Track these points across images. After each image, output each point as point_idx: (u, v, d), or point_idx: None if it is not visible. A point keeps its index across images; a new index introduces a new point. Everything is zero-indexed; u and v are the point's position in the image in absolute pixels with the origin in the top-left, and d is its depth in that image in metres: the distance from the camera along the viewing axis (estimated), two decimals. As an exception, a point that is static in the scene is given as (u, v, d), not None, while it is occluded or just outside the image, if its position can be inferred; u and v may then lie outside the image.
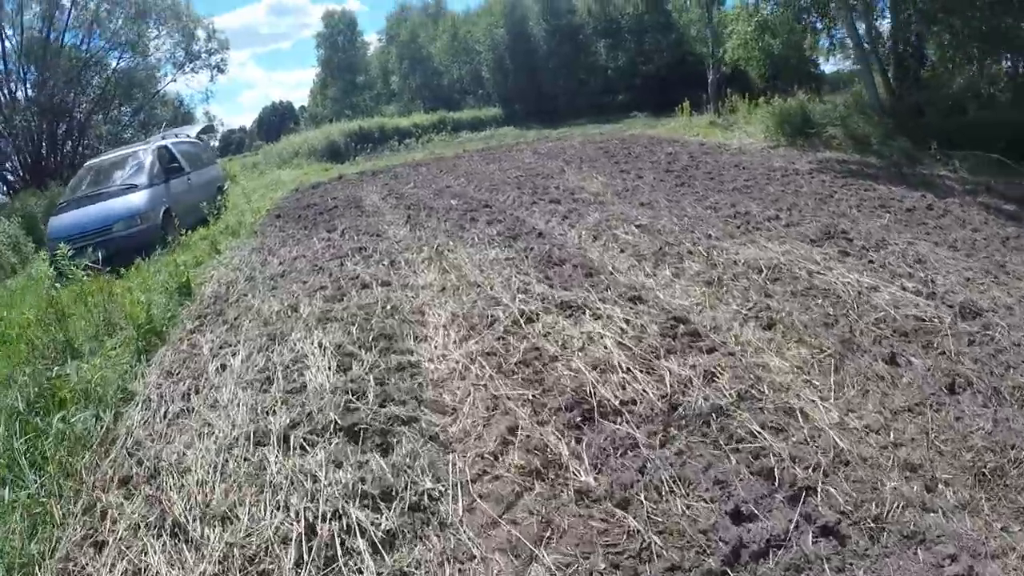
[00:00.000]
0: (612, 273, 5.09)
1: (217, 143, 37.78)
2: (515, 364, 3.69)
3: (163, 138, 11.09)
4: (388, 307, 4.68)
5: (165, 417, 3.94)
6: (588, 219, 6.82)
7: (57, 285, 7.04)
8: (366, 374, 3.77)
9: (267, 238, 8.04)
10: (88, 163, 10.50)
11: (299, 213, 9.54)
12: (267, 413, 3.62)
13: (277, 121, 49.55)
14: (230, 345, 4.58)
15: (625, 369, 3.54)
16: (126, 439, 3.81)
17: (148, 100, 22.10)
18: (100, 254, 7.97)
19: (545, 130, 20.84)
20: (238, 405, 3.79)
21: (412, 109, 27.96)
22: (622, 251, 5.73)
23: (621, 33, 27.68)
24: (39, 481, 3.37)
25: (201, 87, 66.61)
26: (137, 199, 8.65)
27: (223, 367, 4.29)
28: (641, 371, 3.51)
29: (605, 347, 3.79)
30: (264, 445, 3.32)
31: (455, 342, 4.15)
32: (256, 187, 15.37)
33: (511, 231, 6.46)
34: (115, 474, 3.51)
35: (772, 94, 14.13)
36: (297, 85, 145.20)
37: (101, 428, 3.95)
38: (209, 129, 19.02)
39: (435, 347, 4.14)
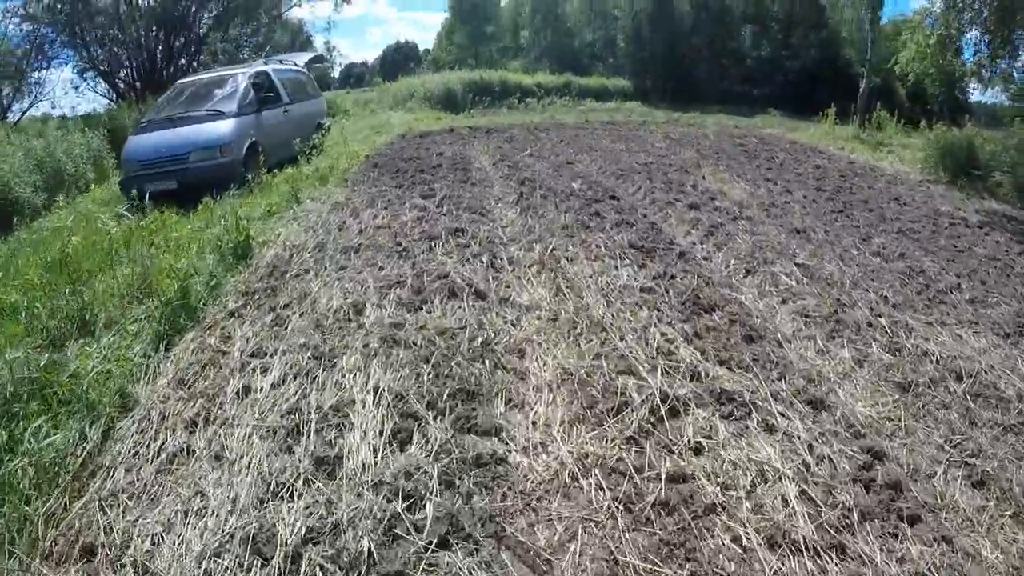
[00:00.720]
0: (779, 341, 3.60)
1: (336, 74, 37.59)
2: (651, 507, 2.33)
3: (265, 63, 10.16)
4: (478, 341, 3.38)
5: (159, 455, 2.90)
6: (737, 241, 5.25)
7: (126, 214, 6.33)
8: (429, 463, 2.53)
9: (355, 192, 6.92)
10: (179, 82, 9.76)
11: (398, 166, 8.37)
12: (280, 497, 2.47)
13: (400, 61, 49.01)
14: (265, 354, 3.47)
15: (812, 552, 2.15)
16: (104, 482, 2.81)
17: (269, 21, 21.58)
18: (172, 184, 7.23)
19: (675, 112, 18.67)
20: (247, 467, 2.68)
21: (537, 68, 26.10)
22: (784, 301, 4.23)
23: (768, 22, 24.87)
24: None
25: (324, 16, 66.87)
26: (221, 128, 7.77)
27: (246, 391, 3.18)
28: (832, 556, 2.13)
29: (784, 499, 2.38)
30: (263, 565, 2.17)
31: (563, 423, 2.82)
32: (362, 127, 14.40)
33: (644, 241, 4.99)
34: (78, 537, 2.53)
35: (915, 116, 12.38)
36: (425, 27, 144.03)
37: (81, 452, 2.96)
38: (319, 59, 18.14)
39: (533, 423, 2.84)
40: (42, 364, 3.24)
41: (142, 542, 2.44)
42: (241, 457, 2.75)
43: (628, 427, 2.72)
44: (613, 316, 3.65)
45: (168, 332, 3.80)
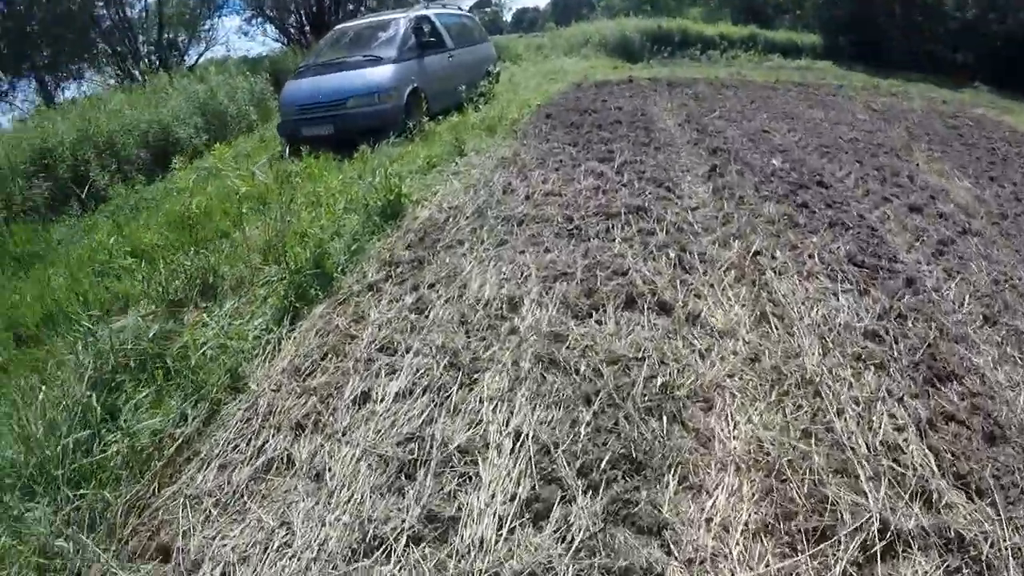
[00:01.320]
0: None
1: (508, 18, 37.02)
2: None
3: (427, 7, 9.62)
4: (657, 382, 2.47)
5: (257, 457, 2.39)
6: (971, 268, 3.67)
7: (258, 172, 6.12)
8: (564, 563, 1.76)
9: (525, 147, 6.14)
10: (338, 27, 9.48)
11: (573, 119, 7.43)
12: (375, 557, 1.85)
13: (572, 6, 47.48)
14: (395, 351, 2.84)
15: None
16: (195, 474, 2.36)
17: None
18: (329, 130, 6.93)
19: (874, 78, 15.70)
20: (347, 503, 2.08)
21: (718, 17, 23.56)
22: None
23: (976, -24, 20.09)
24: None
25: None
26: (380, 73, 7.33)
27: (365, 398, 2.58)
28: None
29: None
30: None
31: (745, 532, 1.90)
32: (534, 74, 13.52)
33: (864, 253, 3.69)
34: (157, 532, 2.18)
35: None
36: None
37: (180, 436, 2.52)
38: (484, 3, 17.40)
39: (707, 521, 1.94)
40: (151, 335, 2.83)
41: (213, 568, 1.98)
42: (342, 487, 2.16)
43: (829, 567, 1.73)
44: (830, 373, 2.56)
45: (295, 304, 3.30)
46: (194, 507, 2.25)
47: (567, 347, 2.68)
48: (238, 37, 27.47)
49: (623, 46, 17.62)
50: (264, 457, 2.40)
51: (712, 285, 3.30)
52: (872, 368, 2.63)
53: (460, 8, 10.85)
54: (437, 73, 8.43)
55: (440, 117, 7.93)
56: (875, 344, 2.79)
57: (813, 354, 2.70)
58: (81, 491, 2.26)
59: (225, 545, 2.07)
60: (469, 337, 2.84)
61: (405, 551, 1.89)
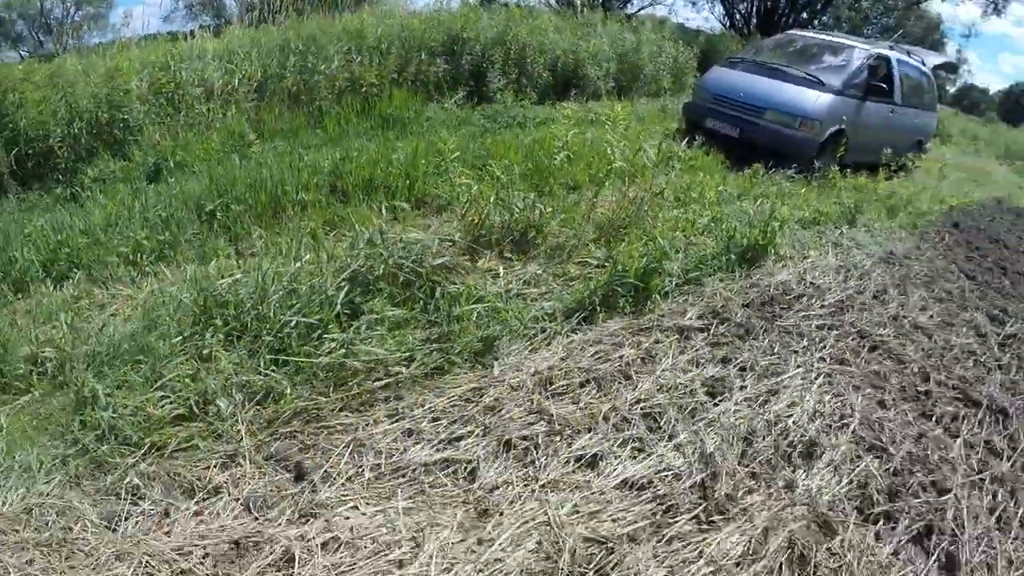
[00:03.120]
0: None
1: (952, 90, 31.71)
2: None
3: (890, 48, 7.99)
4: None
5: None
6: None
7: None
8: None
9: (919, 251, 4.72)
10: (791, 32, 8.60)
11: (979, 243, 5.49)
12: None
13: (1025, 106, 38.32)
14: (656, 424, 2.13)
15: None
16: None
17: (906, 7, 18.57)
18: (733, 132, 6.27)
19: None
20: None
21: None
22: None
23: None
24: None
25: (968, 20, 55.35)
26: (813, 99, 6.21)
27: (589, 461, 1.93)
28: None
29: None
30: None
31: None
32: (956, 166, 10.93)
33: None
34: None
35: None
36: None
37: (395, 373, 2.21)
38: (949, 67, 14.33)
39: None
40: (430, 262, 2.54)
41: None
42: None
43: None
44: None
45: (595, 305, 2.74)
46: (355, 453, 1.96)
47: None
48: (684, 5, 27.93)
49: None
50: (449, 452, 1.99)
51: None
52: None
53: (924, 63, 8.90)
54: (871, 123, 7.00)
55: (848, 170, 6.58)
56: None
57: None
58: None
59: (348, 517, 1.68)
60: (741, 464, 1.99)
61: None
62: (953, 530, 2.01)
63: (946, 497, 2.12)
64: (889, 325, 3.27)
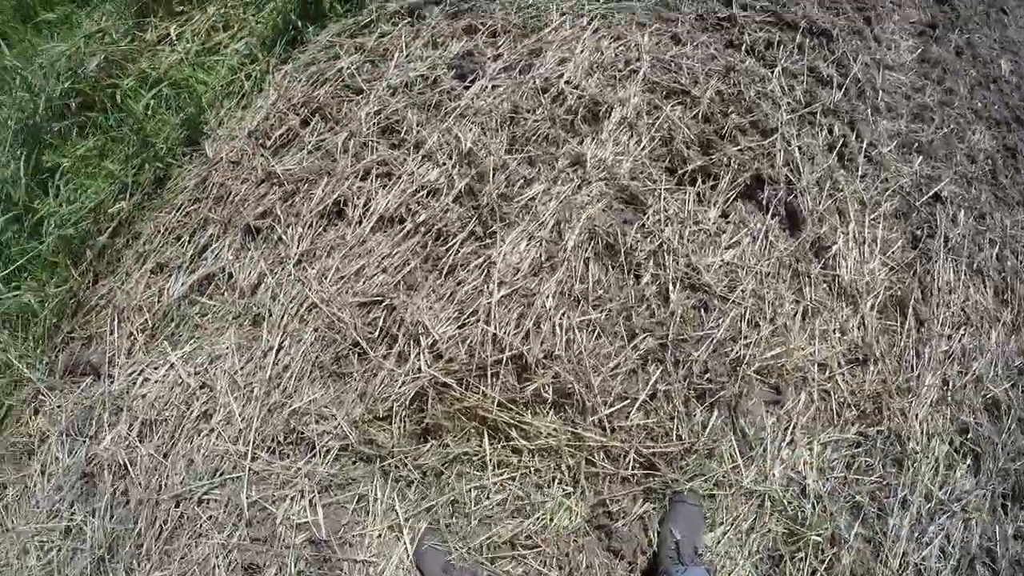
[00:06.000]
0: None
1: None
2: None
3: None
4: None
5: (196, 264, 1.92)
6: None
7: None
8: None
9: None
10: None
11: None
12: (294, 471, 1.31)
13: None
14: (401, 140, 1.95)
15: None
16: (131, 269, 1.93)
17: None
18: None
19: None
20: (275, 380, 1.62)
21: None
22: None
23: None
24: None
25: None
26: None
27: (337, 212, 1.87)
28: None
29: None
30: None
31: None
32: None
33: None
34: (85, 346, 1.87)
35: None
36: None
37: (117, 212, 2.01)
38: None
39: None
40: (93, 65, 2.04)
41: (131, 421, 1.57)
42: (278, 349, 1.58)
43: None
44: None
45: (299, 23, 2.29)
46: (122, 324, 1.76)
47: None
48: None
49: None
50: (203, 269, 1.79)
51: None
52: None
53: None
54: None
55: None
56: None
57: None
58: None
59: (144, 393, 1.60)
60: (512, 152, 1.80)
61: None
62: (788, 176, 1.81)
63: (772, 138, 1.86)
64: None
